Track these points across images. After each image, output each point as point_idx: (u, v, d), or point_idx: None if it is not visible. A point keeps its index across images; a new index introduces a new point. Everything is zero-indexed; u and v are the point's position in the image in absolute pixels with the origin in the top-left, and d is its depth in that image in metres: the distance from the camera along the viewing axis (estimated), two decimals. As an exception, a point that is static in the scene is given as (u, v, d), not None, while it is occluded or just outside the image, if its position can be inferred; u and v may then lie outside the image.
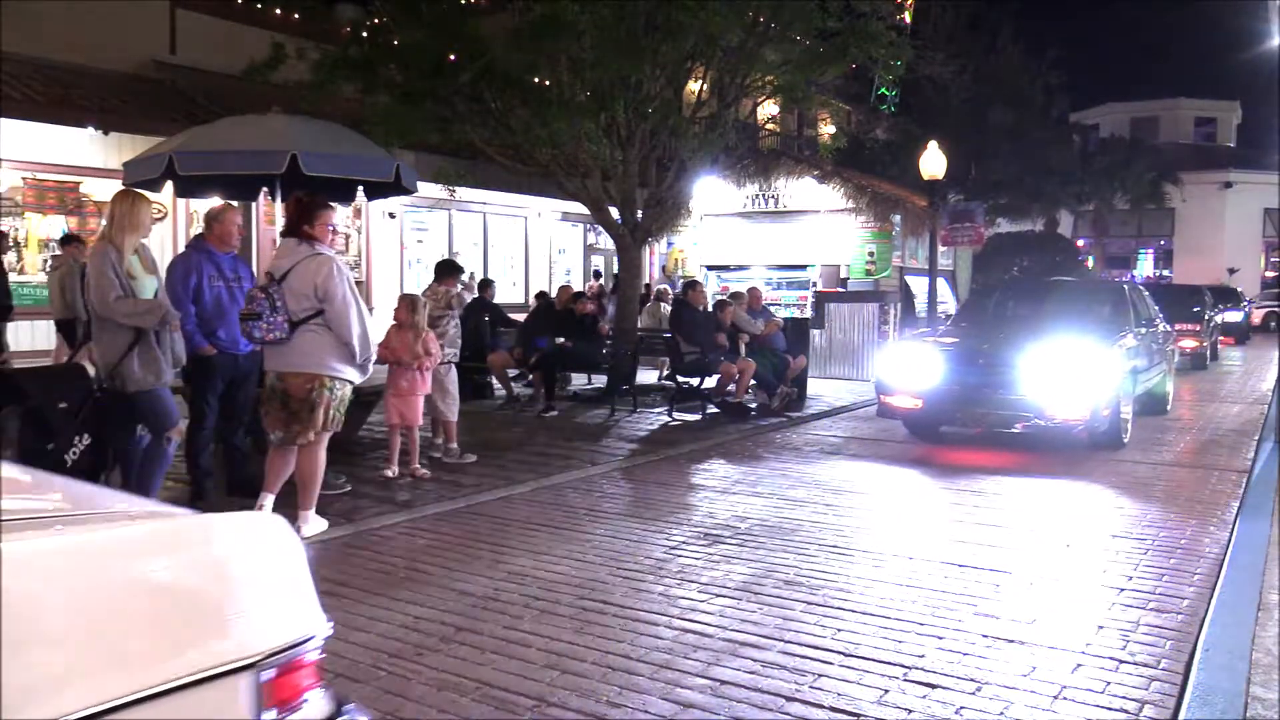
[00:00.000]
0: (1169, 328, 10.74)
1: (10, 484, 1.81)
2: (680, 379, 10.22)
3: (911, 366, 7.94)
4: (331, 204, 5.20)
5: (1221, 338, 19.98)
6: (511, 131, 10.85)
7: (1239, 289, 25.87)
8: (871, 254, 19.65)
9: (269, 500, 5.13)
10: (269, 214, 10.29)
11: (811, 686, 3.24)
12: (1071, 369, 7.26)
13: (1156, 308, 10.44)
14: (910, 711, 3.06)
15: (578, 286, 15.33)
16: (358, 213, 14.15)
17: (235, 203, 7.01)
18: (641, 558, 4.77)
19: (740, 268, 18.28)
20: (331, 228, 5.10)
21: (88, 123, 10.62)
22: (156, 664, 1.37)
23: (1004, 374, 7.47)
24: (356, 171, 7.07)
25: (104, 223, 5.06)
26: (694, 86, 11.87)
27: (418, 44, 10.37)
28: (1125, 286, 9.86)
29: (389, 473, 6.48)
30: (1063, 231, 26.98)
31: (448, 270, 7.94)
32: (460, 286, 8.28)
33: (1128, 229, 34.38)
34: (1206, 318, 16.48)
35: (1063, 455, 7.69)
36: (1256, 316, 25.78)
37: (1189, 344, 15.42)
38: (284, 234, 5.07)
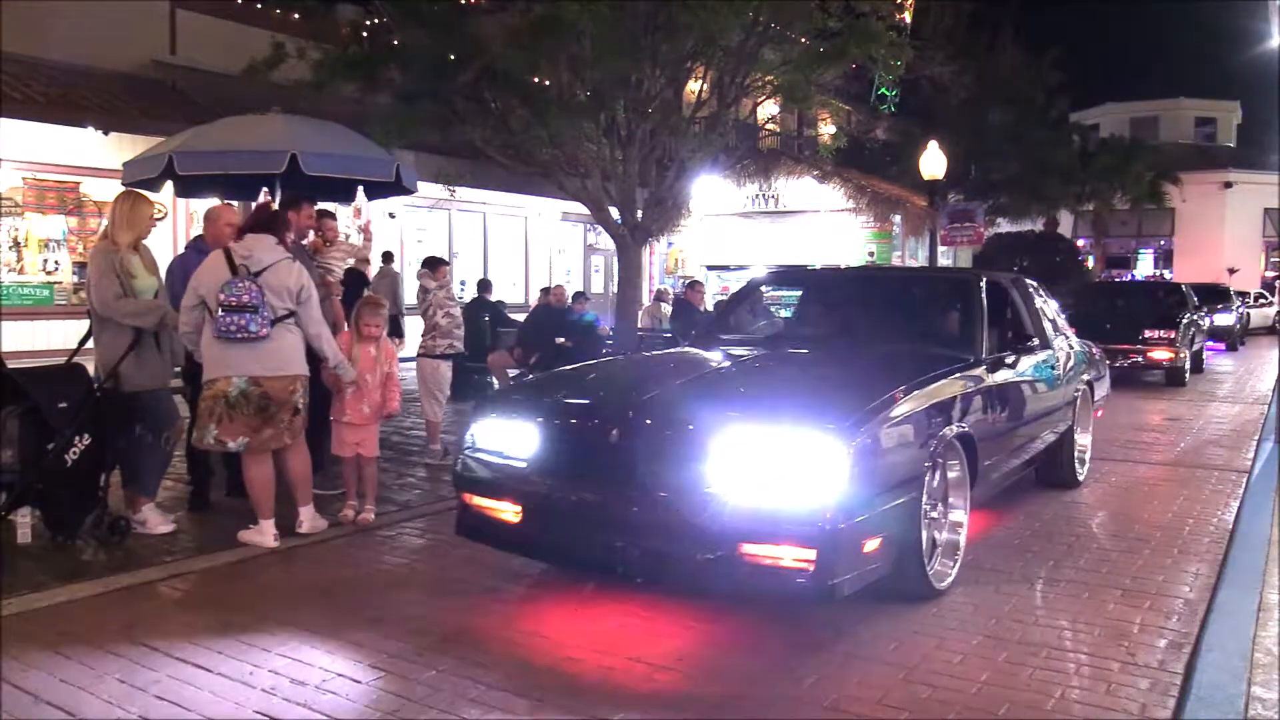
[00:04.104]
0: (1085, 348, 6.92)
1: None
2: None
3: (509, 441, 4.09)
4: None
5: (1210, 344, 17.23)
6: (511, 131, 10.85)
7: (1230, 288, 23.86)
8: (871, 254, 19.69)
9: (269, 526, 4.82)
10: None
11: (812, 686, 3.23)
12: (795, 460, 3.49)
13: (1056, 315, 6.69)
14: (910, 711, 3.06)
15: (577, 286, 15.33)
16: (358, 213, 14.14)
17: (233, 203, 7.01)
18: (641, 558, 4.74)
19: (740, 268, 18.31)
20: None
21: (88, 123, 10.63)
22: None
23: (661, 466, 3.65)
24: (356, 171, 7.08)
25: (104, 223, 5.05)
26: (694, 86, 11.87)
27: (418, 44, 10.37)
28: (984, 282, 5.35)
29: (349, 513, 5.35)
30: (1063, 231, 26.95)
31: (424, 265, 7.91)
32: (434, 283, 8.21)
33: (1128, 229, 34.35)
34: (1185, 322, 13.19)
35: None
36: None
37: (1161, 355, 12.56)
38: (253, 230, 4.82)
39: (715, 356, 5.26)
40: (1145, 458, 7.69)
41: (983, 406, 4.61)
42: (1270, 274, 34.72)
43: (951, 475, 4.30)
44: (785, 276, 8.02)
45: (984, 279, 5.43)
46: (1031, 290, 6.23)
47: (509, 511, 3.97)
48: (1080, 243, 29.45)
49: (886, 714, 3.05)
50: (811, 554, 3.35)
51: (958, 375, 4.50)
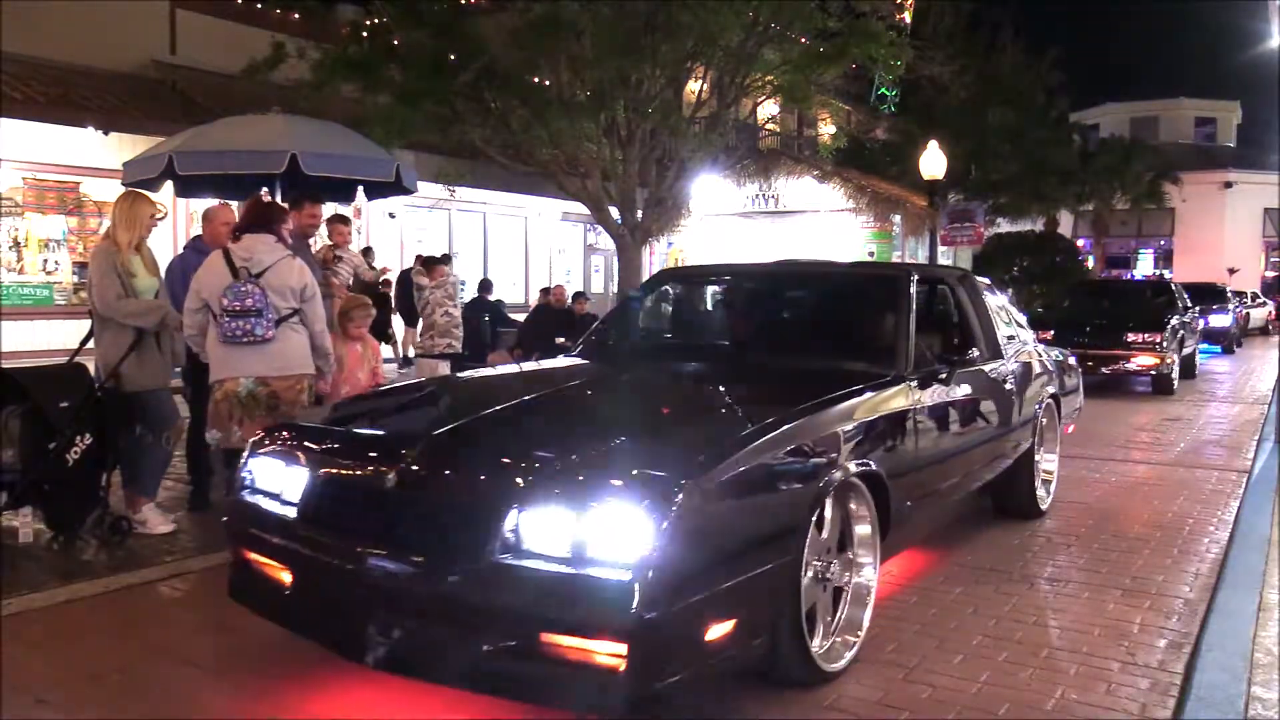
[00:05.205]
0: (1053, 356, 6.15)
1: None
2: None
3: (283, 481, 3.27)
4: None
5: (1204, 345, 16.49)
6: (511, 131, 10.87)
7: (1226, 287, 23.06)
8: (871, 254, 19.68)
9: None
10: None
11: (812, 686, 3.23)
12: (604, 521, 2.61)
13: (1013, 319, 5.84)
14: (910, 711, 3.06)
15: (577, 286, 15.34)
16: (358, 213, 14.16)
17: (231, 202, 7.01)
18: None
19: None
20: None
21: (88, 123, 10.63)
22: None
23: (442, 525, 2.84)
24: (356, 171, 7.09)
25: (104, 223, 5.06)
26: (694, 86, 11.89)
27: (418, 44, 10.39)
28: (914, 281, 4.48)
29: None
30: (1063, 231, 26.99)
31: (416, 263, 8.06)
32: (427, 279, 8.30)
33: (1128, 229, 34.38)
34: (1173, 325, 12.00)
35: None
36: None
37: (1146, 361, 11.50)
38: (248, 230, 4.74)
39: (572, 372, 4.49)
40: (1145, 458, 7.69)
41: (900, 435, 3.75)
42: (1270, 274, 34.74)
43: (856, 527, 3.47)
44: (693, 274, 6.72)
45: (914, 277, 4.53)
46: (982, 291, 5.32)
47: (280, 573, 3.15)
48: (1080, 243, 29.47)
49: (886, 714, 3.04)
50: (622, 649, 2.49)
51: (867, 397, 3.64)
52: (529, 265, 18.31)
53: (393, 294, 12.41)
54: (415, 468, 2.93)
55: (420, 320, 7.50)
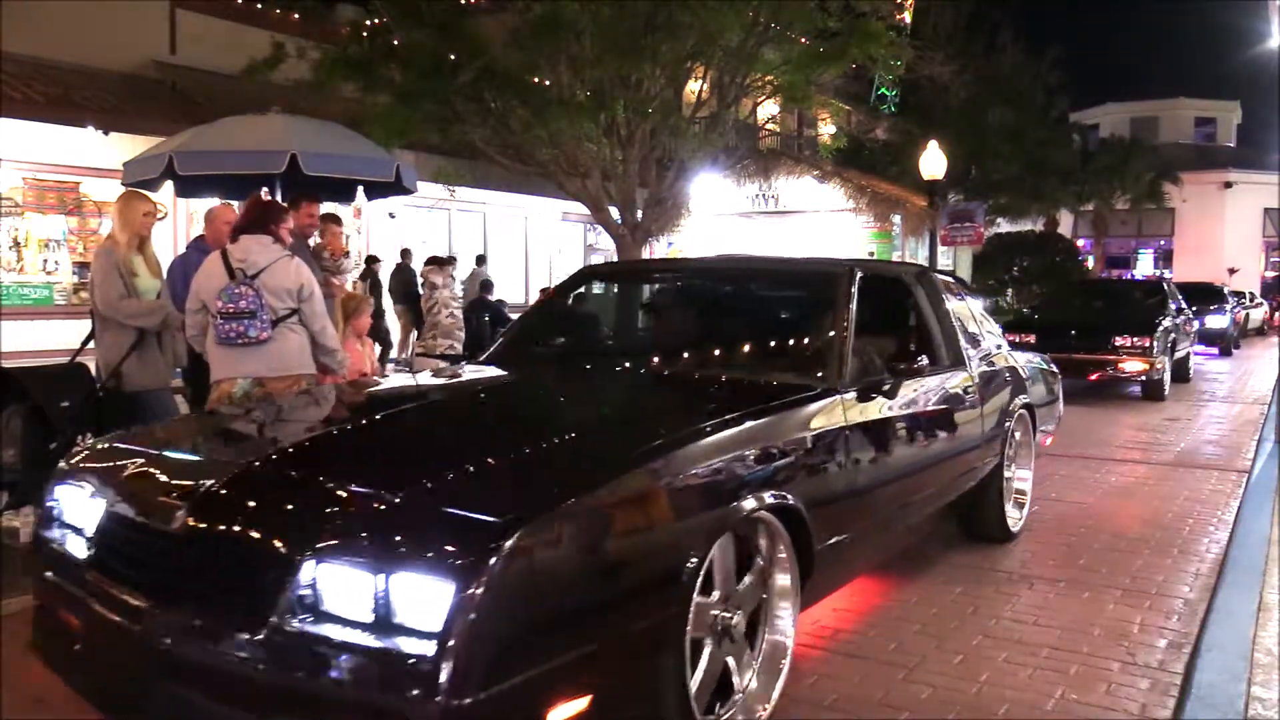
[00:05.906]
0: (1030, 362, 5.71)
1: None
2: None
3: (85, 516, 2.75)
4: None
5: (1200, 348, 15.94)
6: (511, 131, 10.86)
7: (1225, 288, 22.49)
8: (871, 254, 19.69)
9: None
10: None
11: (812, 686, 3.23)
12: (410, 580, 2.09)
13: (982, 323, 5.26)
14: (910, 711, 3.06)
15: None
16: (358, 213, 14.17)
17: (233, 202, 7.01)
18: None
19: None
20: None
21: (88, 123, 10.63)
22: None
23: (230, 581, 2.34)
24: (356, 171, 7.09)
25: (103, 222, 5.06)
26: (694, 86, 11.89)
27: (418, 44, 10.39)
28: (856, 279, 3.88)
29: None
30: (1063, 231, 27.00)
31: (430, 263, 8.11)
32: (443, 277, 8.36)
33: (1128, 229, 34.38)
34: (1164, 327, 11.24)
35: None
36: None
37: (1134, 367, 10.77)
38: (244, 231, 4.71)
39: (450, 384, 4.03)
40: (1145, 458, 7.69)
41: (828, 458, 3.19)
42: (1270, 274, 34.75)
43: (776, 574, 2.97)
44: (617, 272, 6.16)
45: (857, 274, 3.92)
46: (942, 290, 4.76)
47: (72, 624, 2.67)
48: (1080, 243, 29.50)
49: (886, 714, 3.05)
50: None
51: (787, 413, 3.14)
52: (529, 265, 18.31)
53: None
54: (206, 505, 2.45)
55: (424, 320, 7.52)
